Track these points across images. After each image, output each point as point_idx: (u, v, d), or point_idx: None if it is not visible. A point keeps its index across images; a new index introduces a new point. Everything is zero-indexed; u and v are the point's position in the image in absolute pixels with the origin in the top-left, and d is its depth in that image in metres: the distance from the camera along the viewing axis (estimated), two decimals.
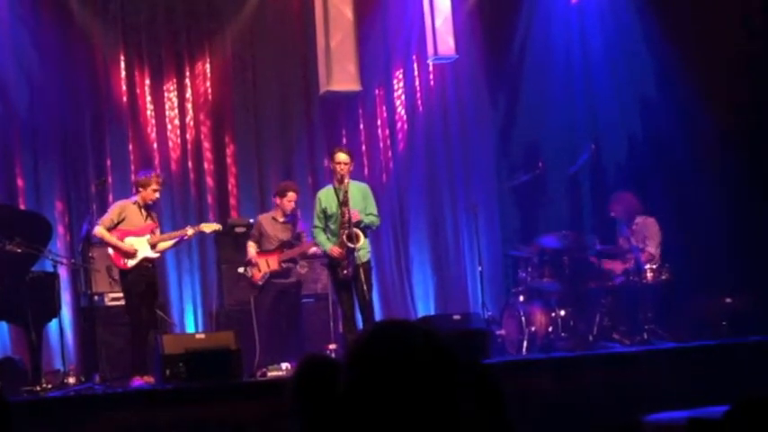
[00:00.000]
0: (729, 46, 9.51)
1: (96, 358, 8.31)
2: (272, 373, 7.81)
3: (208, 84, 10.18)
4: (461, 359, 1.86)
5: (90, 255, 8.39)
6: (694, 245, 9.48)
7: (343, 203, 7.71)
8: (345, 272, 7.71)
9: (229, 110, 10.29)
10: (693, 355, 7.59)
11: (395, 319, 1.93)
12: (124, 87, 9.87)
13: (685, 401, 5.40)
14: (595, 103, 10.42)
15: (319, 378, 2.84)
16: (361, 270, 7.63)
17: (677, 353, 7.74)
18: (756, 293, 8.75)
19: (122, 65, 9.88)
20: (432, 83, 10.83)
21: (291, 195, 8.67)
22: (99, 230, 7.84)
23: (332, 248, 7.77)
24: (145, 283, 7.84)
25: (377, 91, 10.70)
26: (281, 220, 8.72)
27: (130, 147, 9.84)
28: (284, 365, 7.87)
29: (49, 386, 7.38)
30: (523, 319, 8.81)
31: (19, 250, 7.49)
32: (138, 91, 9.94)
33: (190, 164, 10.08)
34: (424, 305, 10.48)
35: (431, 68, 10.69)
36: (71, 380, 7.90)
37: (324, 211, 7.91)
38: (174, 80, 10.08)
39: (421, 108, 10.84)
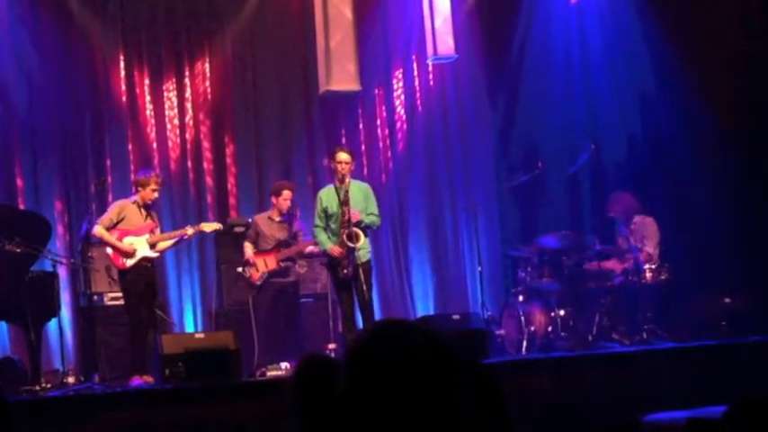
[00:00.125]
0: (729, 46, 9.51)
1: (95, 358, 8.30)
2: (271, 373, 7.80)
3: (207, 83, 10.18)
4: (461, 359, 1.86)
5: (89, 254, 8.39)
6: (694, 245, 9.48)
7: (344, 203, 7.71)
8: (345, 271, 7.72)
9: (229, 109, 10.29)
10: (693, 355, 7.59)
11: (394, 319, 1.93)
12: (124, 87, 9.87)
13: (685, 401, 5.41)
14: (595, 103, 10.42)
15: (318, 378, 2.84)
16: (361, 270, 7.63)
17: (676, 353, 7.74)
18: (756, 293, 8.76)
19: (122, 64, 9.88)
20: (431, 83, 10.84)
21: (287, 194, 8.67)
22: (98, 230, 7.84)
23: (332, 248, 7.77)
24: (144, 282, 7.84)
25: (376, 91, 10.71)
26: (278, 219, 8.72)
27: (130, 146, 9.84)
28: (283, 365, 7.87)
29: (49, 386, 7.38)
30: (523, 318, 8.81)
31: (18, 250, 7.49)
32: (137, 91, 9.95)
33: (189, 163, 10.08)
34: (423, 305, 10.48)
35: (430, 68, 10.69)
36: (70, 379, 7.89)
37: (324, 211, 7.91)
38: (174, 80, 10.08)
39: (420, 108, 10.84)
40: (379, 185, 9.97)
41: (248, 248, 8.66)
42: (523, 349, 8.69)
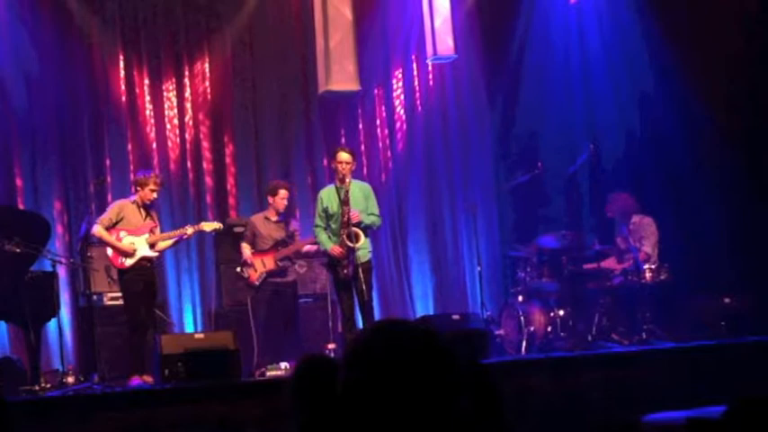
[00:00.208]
0: (728, 45, 9.51)
1: (95, 358, 8.29)
2: (270, 373, 7.81)
3: (207, 83, 10.18)
4: (460, 359, 1.86)
5: (89, 254, 8.38)
6: (693, 245, 9.49)
7: (344, 203, 7.72)
8: (346, 271, 7.72)
9: (228, 109, 10.28)
10: (692, 355, 7.59)
11: (393, 319, 1.93)
12: (123, 87, 9.87)
13: (684, 401, 5.41)
14: (594, 103, 10.42)
15: (318, 378, 2.85)
16: (361, 270, 7.63)
17: (676, 353, 7.74)
18: (755, 293, 8.76)
19: (121, 64, 9.88)
20: (431, 83, 10.84)
21: (283, 193, 8.68)
22: (97, 230, 7.84)
23: (333, 247, 7.77)
24: (143, 282, 7.84)
25: (376, 91, 10.71)
26: (274, 219, 8.73)
27: (129, 146, 9.84)
28: (283, 365, 7.88)
29: (48, 386, 7.37)
30: (522, 319, 8.81)
31: (18, 250, 7.48)
32: (137, 90, 9.94)
33: (189, 163, 10.08)
34: (422, 305, 10.48)
35: (430, 68, 10.69)
36: (70, 379, 7.88)
37: (325, 210, 7.92)
38: (173, 80, 10.08)
39: (420, 108, 10.85)
40: (378, 185, 9.97)
41: (246, 249, 8.66)
42: (523, 349, 8.69)
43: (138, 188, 7.95)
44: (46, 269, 7.98)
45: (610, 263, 9.28)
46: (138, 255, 7.83)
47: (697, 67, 9.61)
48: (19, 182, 9.35)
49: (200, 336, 8.00)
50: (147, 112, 9.97)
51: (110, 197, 9.24)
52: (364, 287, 7.63)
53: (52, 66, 9.50)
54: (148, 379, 7.46)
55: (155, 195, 7.97)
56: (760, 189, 9.24)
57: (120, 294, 8.16)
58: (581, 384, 7.08)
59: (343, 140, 10.25)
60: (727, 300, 8.83)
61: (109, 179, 9.54)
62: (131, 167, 9.71)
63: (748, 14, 9.51)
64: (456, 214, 10.75)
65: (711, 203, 9.51)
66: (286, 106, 10.46)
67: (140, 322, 7.76)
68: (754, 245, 9.15)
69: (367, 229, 7.88)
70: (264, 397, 6.35)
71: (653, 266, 8.84)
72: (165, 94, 10.05)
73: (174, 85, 10.08)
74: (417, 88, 10.84)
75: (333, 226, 7.89)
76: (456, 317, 8.47)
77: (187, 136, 10.09)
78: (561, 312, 8.86)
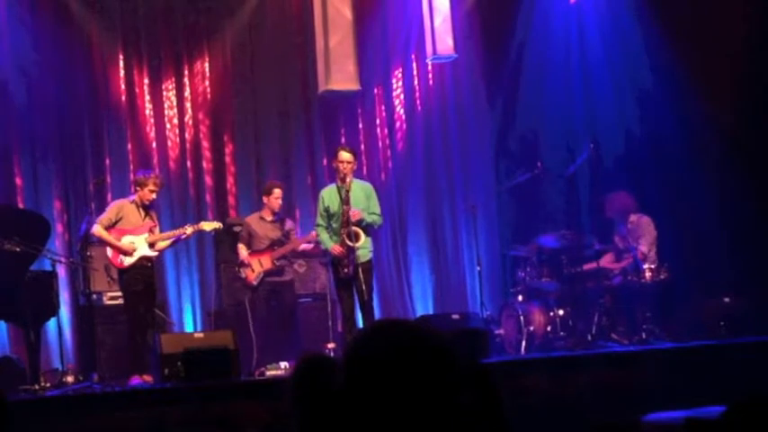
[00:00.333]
0: (728, 44, 9.50)
1: (95, 357, 8.30)
2: (270, 373, 7.81)
3: (207, 83, 10.18)
4: (460, 359, 1.86)
5: (88, 254, 8.37)
6: (692, 244, 9.48)
7: (345, 202, 7.72)
8: (346, 270, 7.73)
9: (228, 109, 10.29)
10: (691, 354, 7.59)
11: (393, 319, 1.93)
12: (123, 86, 9.87)
13: (683, 401, 5.40)
14: (594, 103, 10.42)
15: (317, 377, 2.84)
16: (361, 269, 7.64)
17: (675, 353, 7.74)
18: (754, 293, 8.76)
19: (121, 64, 9.88)
20: (431, 82, 10.84)
21: (278, 192, 8.70)
22: (97, 229, 7.85)
23: (333, 247, 7.78)
24: (143, 282, 7.84)
25: (376, 90, 10.71)
26: (270, 218, 8.74)
27: (129, 146, 9.84)
28: (283, 364, 7.88)
29: (48, 385, 7.37)
30: (522, 318, 8.82)
31: (17, 249, 7.48)
32: (136, 90, 9.95)
33: (188, 163, 10.08)
34: (422, 305, 10.48)
35: (430, 68, 10.69)
36: (69, 379, 7.88)
37: (326, 210, 7.93)
38: (173, 79, 10.08)
39: (420, 107, 10.85)
40: (378, 185, 9.95)
41: (242, 250, 8.67)
42: (522, 349, 8.69)
43: (138, 188, 7.95)
44: (46, 268, 7.98)
45: (607, 260, 9.28)
46: (138, 254, 7.83)
47: (697, 66, 9.61)
48: (19, 181, 9.35)
49: (200, 335, 8.02)
50: (147, 112, 9.97)
51: (110, 197, 9.24)
52: (364, 287, 7.64)
53: (52, 65, 9.50)
54: (148, 378, 7.46)
55: (154, 196, 7.97)
56: (760, 189, 9.23)
57: (119, 294, 8.17)
58: (580, 384, 7.07)
59: (343, 140, 10.25)
60: (726, 300, 8.84)
61: (109, 179, 9.54)
62: (131, 167, 9.71)
63: (748, 14, 9.51)
64: (456, 214, 10.75)
65: (711, 203, 9.51)
66: (286, 106, 10.46)
67: (140, 321, 7.76)
68: (753, 245, 9.15)
69: (368, 228, 7.88)
70: (264, 396, 6.35)
71: (652, 266, 8.84)
72: (164, 93, 10.05)
73: (174, 85, 10.08)
74: (417, 88, 10.84)
75: (334, 225, 7.90)
76: (456, 316, 8.47)
77: (187, 136, 10.09)
78: (561, 312, 8.87)
